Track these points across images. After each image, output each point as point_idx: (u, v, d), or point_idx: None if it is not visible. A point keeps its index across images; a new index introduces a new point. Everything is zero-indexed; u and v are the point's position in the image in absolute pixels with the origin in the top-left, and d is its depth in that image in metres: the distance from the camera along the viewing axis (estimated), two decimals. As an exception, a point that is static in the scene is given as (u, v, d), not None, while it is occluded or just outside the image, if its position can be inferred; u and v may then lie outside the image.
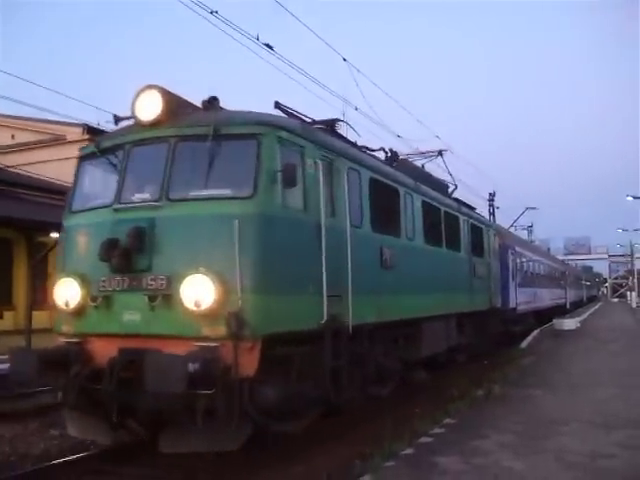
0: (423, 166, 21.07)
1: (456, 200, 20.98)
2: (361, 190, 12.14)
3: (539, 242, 78.26)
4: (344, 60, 17.92)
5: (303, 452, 10.57)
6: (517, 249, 32.89)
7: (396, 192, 14.05)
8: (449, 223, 18.33)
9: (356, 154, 12.62)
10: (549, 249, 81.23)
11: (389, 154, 16.20)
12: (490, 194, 56.87)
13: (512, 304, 28.33)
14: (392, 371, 13.80)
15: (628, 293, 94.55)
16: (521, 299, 31.08)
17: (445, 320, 17.22)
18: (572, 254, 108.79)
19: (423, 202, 15.78)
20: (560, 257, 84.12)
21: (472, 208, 23.47)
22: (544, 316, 42.50)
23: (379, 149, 15.55)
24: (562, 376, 17.11)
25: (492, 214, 55.72)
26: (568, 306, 59.75)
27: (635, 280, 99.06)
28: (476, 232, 21.98)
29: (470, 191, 74.99)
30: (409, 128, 29.32)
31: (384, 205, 13.27)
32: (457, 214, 19.54)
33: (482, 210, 49.00)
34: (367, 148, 14.40)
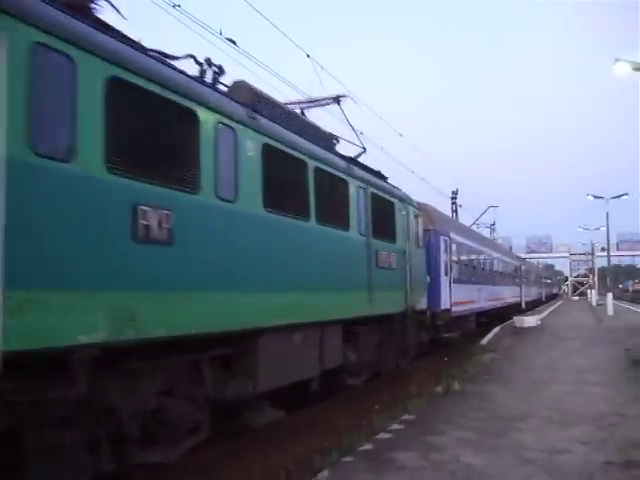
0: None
1: (350, 160, 15.58)
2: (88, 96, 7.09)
3: (501, 240, 78.62)
4: (308, 56, 17.80)
5: (259, 450, 10.51)
6: (454, 237, 27.36)
7: (183, 112, 8.75)
8: (327, 187, 13.15)
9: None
10: (511, 247, 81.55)
11: (208, 67, 10.57)
12: (453, 192, 57.29)
13: (445, 305, 23.72)
14: (176, 423, 8.84)
15: (588, 291, 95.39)
16: (459, 298, 26.27)
17: (317, 331, 12.59)
18: (534, 252, 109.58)
19: (265, 145, 10.68)
20: (522, 255, 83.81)
21: (382, 177, 18.11)
22: (493, 318, 38.06)
23: (184, 56, 10.05)
24: (521, 373, 17.22)
25: (455, 212, 56.16)
26: (524, 305, 55.47)
27: (596, 279, 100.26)
28: (383, 208, 16.74)
29: (433, 188, 75.27)
30: (373, 126, 29.37)
31: (152, 130, 8.27)
32: (345, 177, 14.25)
33: (444, 208, 49.27)
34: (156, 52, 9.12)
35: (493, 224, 75.31)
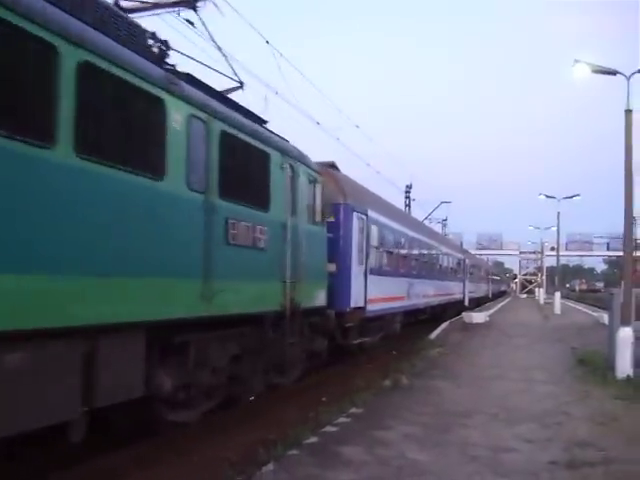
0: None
1: (175, 73, 10.16)
2: None
3: (453, 236, 79.09)
4: (267, 43, 17.61)
5: (202, 442, 10.35)
6: (375, 216, 21.36)
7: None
8: (110, 98, 8.29)
9: None
10: (462, 243, 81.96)
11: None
12: (407, 186, 57.53)
13: (356, 302, 18.35)
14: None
15: (537, 290, 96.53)
16: (379, 294, 21.10)
17: (76, 345, 7.52)
18: (484, 249, 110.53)
19: None
20: (473, 251, 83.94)
21: (256, 118, 13.06)
22: (432, 316, 34.95)
23: None
24: (468, 368, 17.31)
25: (408, 206, 56.38)
26: (467, 303, 49.86)
27: (544, 277, 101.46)
28: (247, 158, 12.02)
29: (388, 182, 75.47)
30: (329, 116, 29.22)
31: None
32: (158, 92, 9.16)
33: (398, 201, 49.23)
34: None
35: (445, 219, 75.81)
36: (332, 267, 16.82)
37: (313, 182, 15.06)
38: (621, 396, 13.28)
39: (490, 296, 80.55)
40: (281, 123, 14.83)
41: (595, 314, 42.72)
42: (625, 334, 15.35)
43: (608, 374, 15.39)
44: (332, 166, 19.86)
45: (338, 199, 17.88)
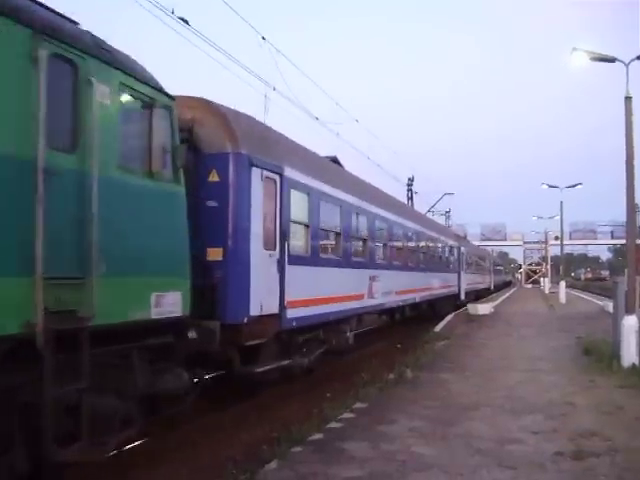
0: None
1: None
2: None
3: (456, 227, 78.92)
4: (263, 39, 17.56)
5: (206, 440, 10.33)
6: (299, 179, 14.48)
7: None
8: None
9: None
10: (466, 235, 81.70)
11: None
12: (409, 179, 57.48)
13: (264, 307, 12.31)
14: None
15: (541, 279, 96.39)
16: (311, 292, 14.81)
17: None
18: (488, 240, 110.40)
19: None
20: (476, 243, 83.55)
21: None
22: (410, 315, 32.08)
23: None
24: (474, 360, 17.23)
25: (410, 198, 56.31)
26: (463, 297, 43.75)
27: (549, 267, 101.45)
28: None
29: (389, 175, 75.27)
30: (328, 111, 29.10)
31: None
32: None
33: (400, 194, 48.95)
34: None
35: (448, 211, 75.80)
36: (215, 253, 11.34)
37: (149, 107, 9.04)
38: (627, 385, 13.22)
39: (492, 288, 74.69)
40: (280, 120, 14.70)
41: (600, 303, 42.63)
42: (630, 322, 15.26)
43: (613, 363, 15.31)
44: (334, 161, 19.73)
45: (224, 146, 11.67)
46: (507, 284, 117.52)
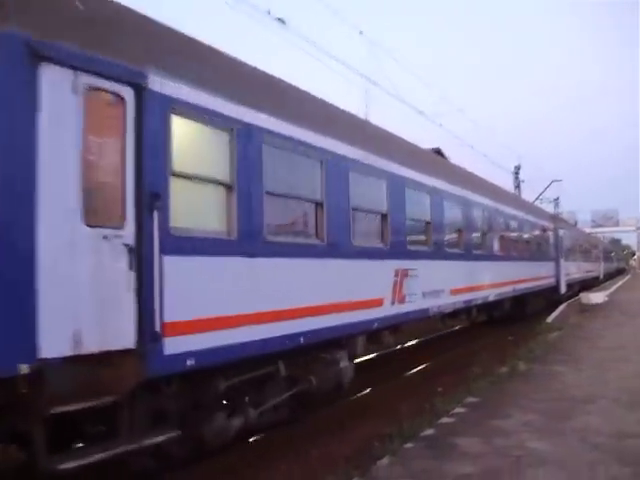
0: None
1: None
2: None
3: (566, 215, 76.89)
4: (360, 33, 17.51)
5: (317, 437, 10.39)
6: (190, 94, 7.95)
7: None
8: None
9: None
10: (576, 222, 79.29)
11: None
12: (515, 167, 56.51)
13: (111, 336, 6.75)
14: None
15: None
16: (239, 299, 8.63)
17: None
18: (599, 226, 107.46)
19: None
20: (587, 230, 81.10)
21: None
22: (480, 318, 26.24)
23: None
24: (588, 352, 16.79)
25: (517, 187, 55.34)
26: (564, 289, 36.49)
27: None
28: None
29: (495, 164, 74.34)
30: (431, 103, 28.84)
31: None
32: None
33: (507, 183, 48.05)
34: None
35: (557, 199, 74.01)
36: None
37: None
38: None
39: (601, 277, 67.59)
40: (382, 114, 14.62)
41: None
42: None
43: None
44: (438, 152, 19.55)
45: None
46: (620, 271, 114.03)
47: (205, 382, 8.34)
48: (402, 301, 13.41)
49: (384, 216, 13.02)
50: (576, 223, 75.52)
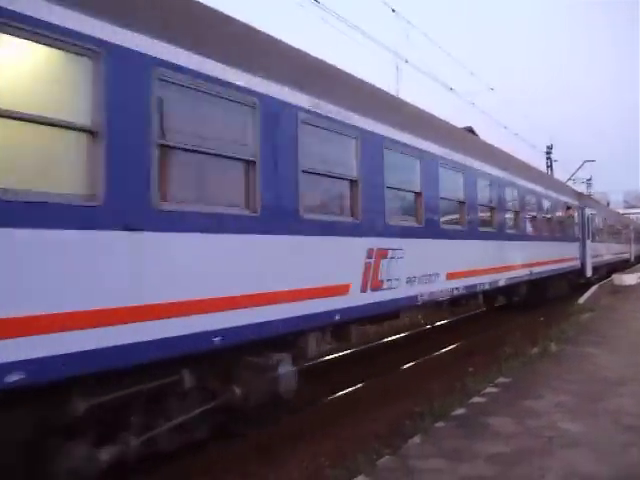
0: None
1: None
2: None
3: (599, 196, 75.99)
4: (393, 11, 17.41)
5: (348, 416, 10.44)
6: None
7: None
8: None
9: None
10: (608, 203, 78.11)
11: None
12: (547, 147, 55.99)
13: None
14: None
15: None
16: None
17: None
18: (632, 207, 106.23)
19: None
20: (621, 211, 79.61)
21: None
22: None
23: None
24: (621, 333, 16.67)
25: (550, 167, 54.86)
26: (590, 273, 33.85)
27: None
28: None
29: (527, 143, 73.87)
30: (462, 81, 28.62)
31: None
32: None
33: (540, 164, 47.49)
34: None
35: (590, 179, 73.35)
36: None
37: None
38: None
39: (632, 259, 62.11)
40: (414, 91, 14.55)
41: None
42: None
43: None
44: (470, 131, 19.42)
45: None
46: None
47: (52, 402, 6.17)
48: (378, 287, 10.94)
49: (353, 183, 10.55)
50: (608, 204, 74.65)
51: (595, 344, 14.86)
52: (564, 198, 29.21)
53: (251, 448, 8.99)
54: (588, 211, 34.57)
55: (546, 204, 24.86)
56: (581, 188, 62.73)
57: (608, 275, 38.87)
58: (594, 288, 30.34)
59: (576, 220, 31.63)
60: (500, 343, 15.41)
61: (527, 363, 12.78)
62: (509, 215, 19.77)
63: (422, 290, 12.65)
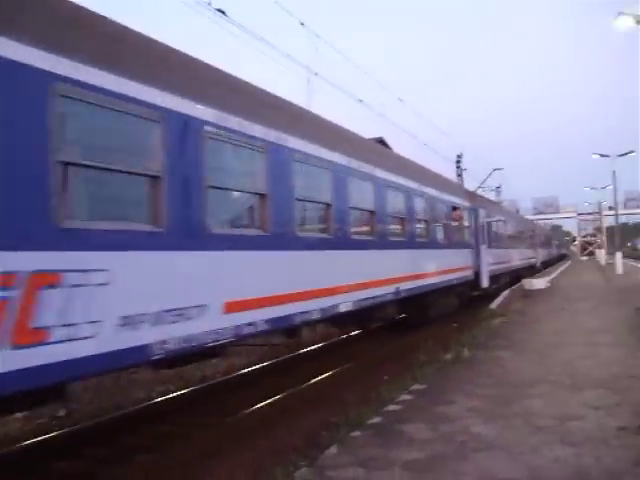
0: None
1: None
2: None
3: (508, 203, 78.00)
4: (301, 24, 17.49)
5: (264, 428, 10.40)
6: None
7: None
8: None
9: None
10: (518, 210, 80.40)
11: None
12: (457, 156, 57.07)
13: None
14: None
15: (597, 251, 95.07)
16: None
17: None
18: (541, 213, 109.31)
19: None
20: (530, 217, 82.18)
21: None
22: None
23: None
24: (531, 337, 17.02)
25: (460, 176, 55.91)
26: (486, 283, 30.41)
27: (604, 238, 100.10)
28: None
29: (437, 154, 75.14)
30: (372, 92, 28.91)
31: None
32: None
33: (450, 173, 48.25)
34: None
35: (499, 187, 75.04)
36: None
37: None
38: (690, 355, 12.98)
39: (538, 265, 60.90)
40: (325, 104, 14.63)
41: (659, 272, 41.92)
42: (690, 291, 14.94)
43: (675, 333, 15.06)
44: (381, 142, 19.58)
45: None
46: (561, 257, 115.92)
47: None
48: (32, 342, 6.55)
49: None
50: (518, 211, 76.56)
51: (506, 348, 15.14)
52: (450, 197, 25.30)
53: (164, 467, 8.85)
54: (483, 213, 31.49)
55: (421, 204, 20.71)
56: (491, 195, 64.16)
57: (513, 283, 37.03)
58: (505, 293, 30.94)
59: (467, 224, 28.27)
60: (414, 350, 15.55)
61: (441, 369, 12.93)
62: (355, 216, 15.22)
63: (161, 337, 8.29)
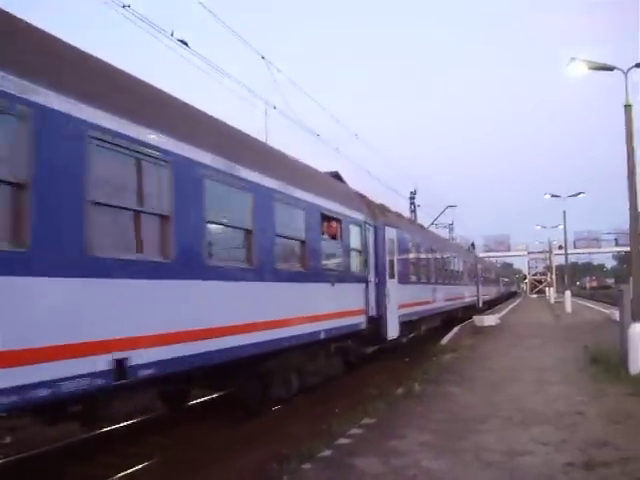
0: None
1: None
2: None
3: (460, 240, 78.79)
4: (262, 58, 17.64)
5: (215, 460, 10.30)
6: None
7: None
8: None
9: None
10: (473, 244, 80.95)
11: None
12: (411, 192, 57.63)
13: None
14: None
15: (547, 289, 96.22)
16: None
17: None
18: (492, 251, 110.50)
19: None
20: (481, 255, 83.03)
21: None
22: None
23: None
24: (481, 373, 17.15)
25: (413, 212, 56.41)
26: (395, 333, 20.81)
27: (554, 276, 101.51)
28: None
29: (391, 189, 75.63)
30: (329, 127, 29.08)
31: None
32: None
33: (403, 208, 48.46)
34: None
35: (452, 224, 75.78)
36: None
37: None
38: (636, 393, 13.15)
39: (480, 305, 52.21)
40: (282, 137, 14.72)
41: (607, 311, 42.54)
42: (636, 330, 15.20)
43: (621, 371, 15.27)
44: (336, 176, 19.63)
45: None
46: (511, 295, 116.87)
47: None
48: None
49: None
50: (473, 245, 77.22)
51: (456, 384, 15.24)
52: (336, 207, 16.80)
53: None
54: (393, 234, 22.18)
55: (290, 216, 13.91)
56: (444, 233, 64.75)
57: (444, 328, 31.28)
58: (456, 329, 31.11)
59: (359, 246, 18.71)
60: (366, 384, 15.57)
61: (392, 403, 12.97)
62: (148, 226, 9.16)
63: None
